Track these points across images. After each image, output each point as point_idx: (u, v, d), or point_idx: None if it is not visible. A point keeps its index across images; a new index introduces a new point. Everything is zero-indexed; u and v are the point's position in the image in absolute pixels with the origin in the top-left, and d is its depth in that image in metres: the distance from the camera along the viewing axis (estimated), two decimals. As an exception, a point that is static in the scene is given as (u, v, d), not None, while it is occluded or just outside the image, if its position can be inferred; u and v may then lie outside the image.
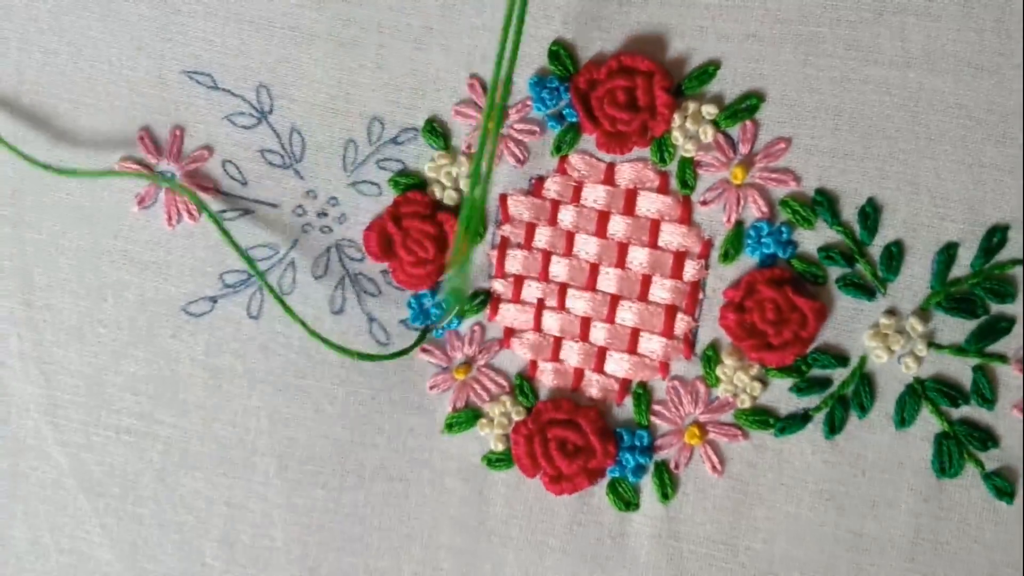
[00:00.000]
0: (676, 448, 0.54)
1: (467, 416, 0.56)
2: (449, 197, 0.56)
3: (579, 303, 0.55)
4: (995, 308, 0.52)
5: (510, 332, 0.56)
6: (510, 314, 0.56)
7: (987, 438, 0.52)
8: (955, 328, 0.52)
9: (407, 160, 0.56)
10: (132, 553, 0.58)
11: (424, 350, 0.56)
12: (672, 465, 0.54)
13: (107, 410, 0.58)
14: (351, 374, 0.56)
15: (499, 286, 0.56)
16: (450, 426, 0.56)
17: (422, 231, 0.55)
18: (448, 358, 0.56)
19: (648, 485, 0.55)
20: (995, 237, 0.51)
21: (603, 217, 0.55)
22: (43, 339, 0.58)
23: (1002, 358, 0.51)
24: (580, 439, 0.54)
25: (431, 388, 0.56)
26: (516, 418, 0.55)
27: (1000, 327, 0.51)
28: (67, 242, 0.58)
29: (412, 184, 0.56)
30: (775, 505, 0.53)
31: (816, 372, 0.53)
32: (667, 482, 0.54)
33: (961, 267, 0.52)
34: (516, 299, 0.56)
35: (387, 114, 0.56)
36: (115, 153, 0.57)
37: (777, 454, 0.53)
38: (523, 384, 0.56)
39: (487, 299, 0.56)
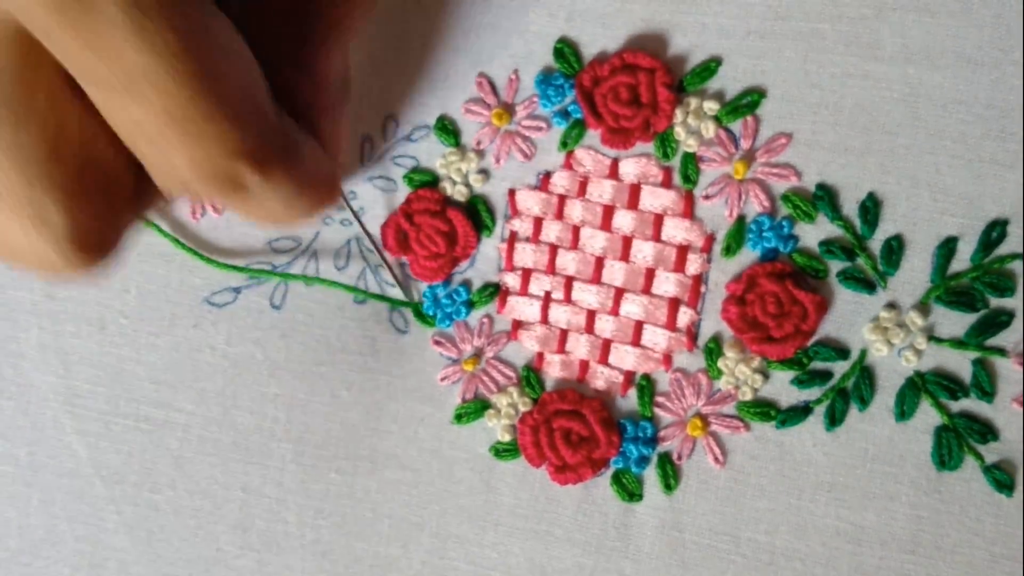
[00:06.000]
0: (679, 439, 0.55)
1: (475, 407, 0.57)
2: (459, 193, 0.57)
3: (585, 296, 0.56)
4: (994, 302, 0.52)
5: (518, 324, 0.57)
6: (518, 307, 0.57)
7: (987, 431, 0.52)
8: (955, 322, 0.52)
9: (420, 157, 0.57)
10: (147, 539, 0.59)
11: (436, 342, 0.57)
12: (675, 456, 0.55)
13: (126, 399, 0.59)
14: (368, 361, 0.57)
15: (509, 279, 0.57)
16: (459, 417, 0.57)
17: (433, 227, 0.57)
18: (459, 350, 0.57)
19: (651, 476, 0.55)
20: (994, 232, 0.51)
21: (608, 211, 0.56)
22: (64, 330, 0.59)
23: (1001, 352, 0.52)
24: (584, 429, 0.55)
25: (442, 380, 0.57)
26: (523, 409, 0.56)
27: (999, 321, 0.52)
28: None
29: (425, 181, 0.57)
30: (776, 497, 0.54)
31: (817, 365, 0.53)
32: (670, 473, 0.55)
33: (961, 261, 0.52)
34: (524, 292, 0.57)
35: (401, 112, 0.57)
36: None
37: (778, 446, 0.54)
38: (530, 375, 0.57)
39: (496, 292, 0.57)
